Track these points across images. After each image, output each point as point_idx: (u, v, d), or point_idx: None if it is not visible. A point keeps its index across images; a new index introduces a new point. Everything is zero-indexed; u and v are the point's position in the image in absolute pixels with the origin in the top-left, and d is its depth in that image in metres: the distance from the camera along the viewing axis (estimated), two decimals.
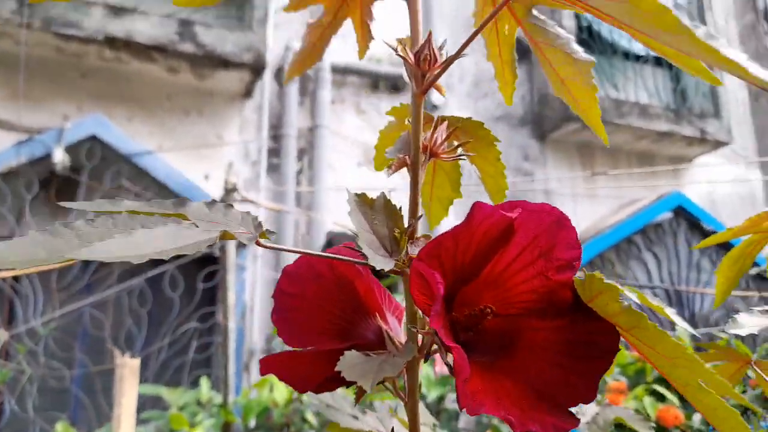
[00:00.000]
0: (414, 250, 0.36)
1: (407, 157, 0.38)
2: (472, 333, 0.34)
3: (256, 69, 3.88)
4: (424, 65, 0.39)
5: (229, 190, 2.85)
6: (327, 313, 0.42)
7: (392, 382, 0.40)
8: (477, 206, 0.31)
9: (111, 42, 3.58)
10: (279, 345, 3.17)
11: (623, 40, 5.28)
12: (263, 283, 3.88)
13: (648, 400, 2.82)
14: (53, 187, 3.40)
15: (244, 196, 2.95)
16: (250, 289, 3.79)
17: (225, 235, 0.31)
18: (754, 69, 0.28)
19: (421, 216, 0.37)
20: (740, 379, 0.81)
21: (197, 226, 0.31)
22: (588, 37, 5.18)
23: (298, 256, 0.43)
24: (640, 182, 5.01)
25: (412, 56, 0.40)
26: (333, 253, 0.42)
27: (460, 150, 0.41)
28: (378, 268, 0.34)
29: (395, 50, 0.39)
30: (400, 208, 0.37)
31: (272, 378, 2.30)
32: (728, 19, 6.40)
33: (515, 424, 0.29)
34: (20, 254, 0.27)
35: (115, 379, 1.52)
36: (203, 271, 3.58)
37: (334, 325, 0.42)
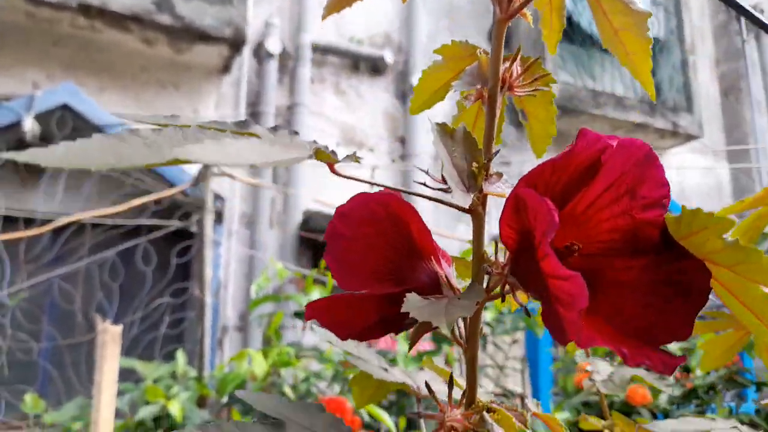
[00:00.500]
0: (488, 187, 0.34)
1: (484, 89, 0.36)
2: None
3: (236, 44, 3.80)
4: None
5: (207, 165, 2.79)
6: (381, 256, 0.40)
7: (452, 328, 0.38)
8: (583, 132, 0.29)
9: (85, 9, 3.46)
10: (256, 321, 3.14)
11: None
12: (237, 260, 3.83)
13: None
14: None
15: (222, 170, 2.89)
16: (225, 266, 3.73)
17: (319, 154, 0.29)
18: None
19: (498, 151, 0.35)
20: (743, 347, 0.82)
21: (273, 146, 0.29)
22: (568, 27, 5.19)
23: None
24: None
25: None
26: (386, 197, 0.40)
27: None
28: (457, 204, 0.32)
29: None
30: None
31: (250, 351, 2.27)
32: (703, 18, 6.51)
33: (628, 357, 0.28)
34: (85, 157, 0.24)
35: (96, 347, 1.48)
36: (177, 246, 3.52)
37: (388, 268, 0.40)
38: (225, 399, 2.24)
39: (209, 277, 2.68)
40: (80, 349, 3.22)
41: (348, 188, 0.45)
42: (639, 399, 2.22)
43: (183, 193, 3.20)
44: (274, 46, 4.30)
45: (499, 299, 0.35)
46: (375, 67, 4.66)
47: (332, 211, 0.40)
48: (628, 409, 2.20)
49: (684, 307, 0.30)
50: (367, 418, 2.01)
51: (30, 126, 3.24)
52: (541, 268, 0.29)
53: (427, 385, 0.38)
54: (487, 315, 2.61)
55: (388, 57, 4.63)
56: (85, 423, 2.17)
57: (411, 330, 0.41)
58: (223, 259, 3.70)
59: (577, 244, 0.32)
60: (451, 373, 0.38)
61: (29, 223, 3.15)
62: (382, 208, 0.40)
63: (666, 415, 2.21)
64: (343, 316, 0.42)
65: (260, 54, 4.29)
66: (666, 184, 0.33)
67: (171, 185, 3.29)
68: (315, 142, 0.34)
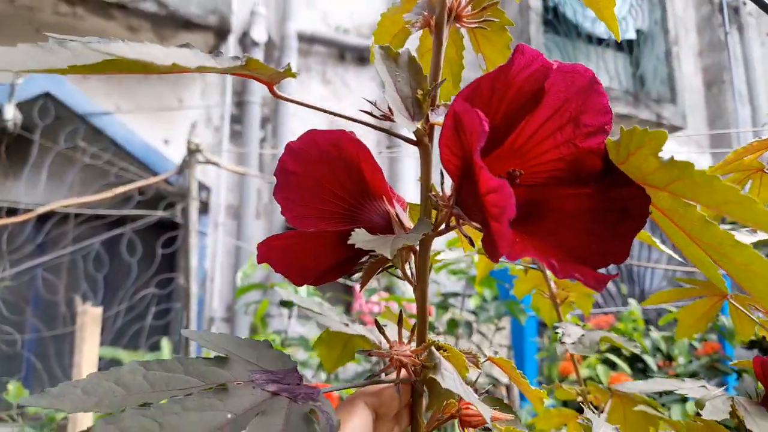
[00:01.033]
0: (435, 117, 0.34)
1: (431, 18, 0.35)
2: None
3: (221, 32, 3.77)
4: None
5: (193, 151, 2.77)
6: (332, 195, 0.40)
7: (401, 264, 0.38)
8: (520, 49, 0.29)
9: None
10: (242, 310, 3.13)
11: (587, 22, 5.35)
12: (224, 251, 3.81)
13: (601, 368, 2.91)
14: (3, 144, 3.25)
15: (207, 158, 2.87)
16: (211, 258, 3.71)
17: (251, 63, 0.29)
18: None
19: (444, 80, 0.35)
20: (716, 314, 0.83)
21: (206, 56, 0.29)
22: (553, 18, 5.21)
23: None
24: None
25: None
26: (337, 135, 0.40)
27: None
28: (401, 130, 0.32)
29: None
30: None
31: None
32: (687, 10, 6.54)
33: (558, 269, 0.27)
34: (8, 61, 0.24)
35: (76, 328, 1.47)
36: (162, 237, 3.50)
37: (340, 206, 0.40)
38: None
39: (195, 265, 2.66)
40: (64, 341, 3.20)
41: None
42: None
43: (167, 182, 3.18)
44: (259, 35, 4.28)
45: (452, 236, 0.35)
46: (361, 57, 4.64)
47: None
48: None
49: (622, 231, 0.31)
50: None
51: (11, 114, 3.21)
52: (478, 188, 0.28)
53: (377, 323, 0.38)
54: (471, 303, 2.62)
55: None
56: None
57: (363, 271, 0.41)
58: (209, 251, 3.68)
59: (518, 171, 0.32)
60: (401, 310, 0.38)
61: (12, 213, 3.12)
62: (333, 147, 0.39)
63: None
64: (297, 259, 0.41)
65: (246, 43, 4.27)
66: (609, 111, 0.33)
67: (155, 175, 3.27)
68: (250, 56, 0.33)
